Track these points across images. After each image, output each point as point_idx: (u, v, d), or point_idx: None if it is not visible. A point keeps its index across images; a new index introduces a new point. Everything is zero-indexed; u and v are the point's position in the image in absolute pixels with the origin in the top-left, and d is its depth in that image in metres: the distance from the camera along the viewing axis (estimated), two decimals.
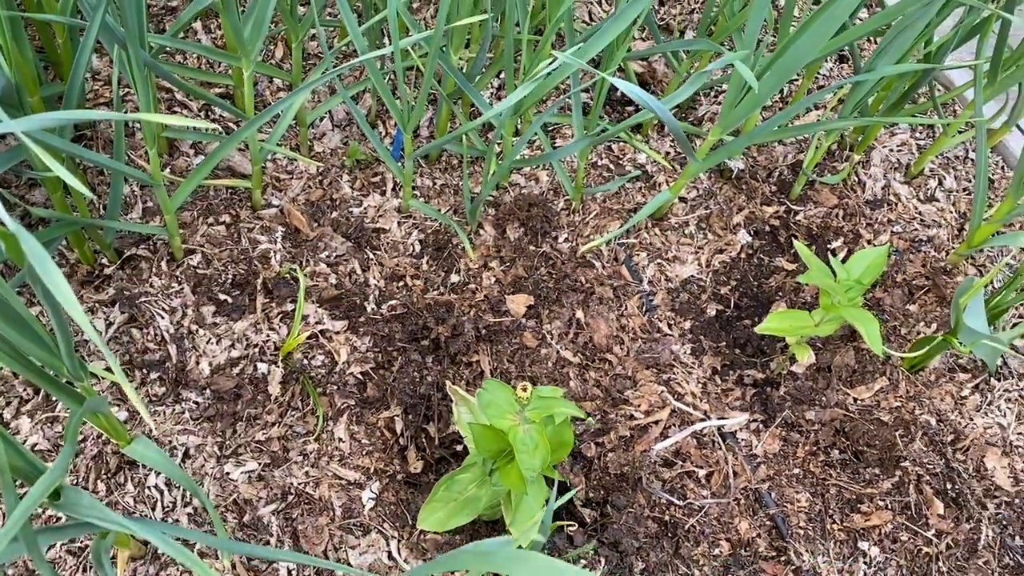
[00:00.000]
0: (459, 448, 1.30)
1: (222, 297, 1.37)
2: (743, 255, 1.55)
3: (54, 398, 1.25)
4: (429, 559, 1.20)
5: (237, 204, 1.48)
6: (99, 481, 1.21)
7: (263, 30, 1.21)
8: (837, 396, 1.40)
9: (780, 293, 1.50)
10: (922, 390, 1.42)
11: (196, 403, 1.28)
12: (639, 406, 1.36)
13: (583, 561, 1.21)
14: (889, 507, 1.31)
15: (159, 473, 1.22)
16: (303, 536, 1.20)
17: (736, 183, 1.63)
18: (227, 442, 1.26)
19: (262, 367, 1.32)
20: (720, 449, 1.34)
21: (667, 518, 1.27)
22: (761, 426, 1.37)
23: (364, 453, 1.28)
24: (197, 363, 1.31)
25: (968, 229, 1.54)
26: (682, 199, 1.61)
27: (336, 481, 1.25)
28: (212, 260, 1.40)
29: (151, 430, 1.25)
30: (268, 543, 1.19)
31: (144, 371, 1.30)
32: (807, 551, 1.27)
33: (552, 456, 1.06)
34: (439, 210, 1.52)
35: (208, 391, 1.29)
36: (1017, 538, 1.31)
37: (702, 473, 1.32)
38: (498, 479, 1.06)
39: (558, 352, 1.40)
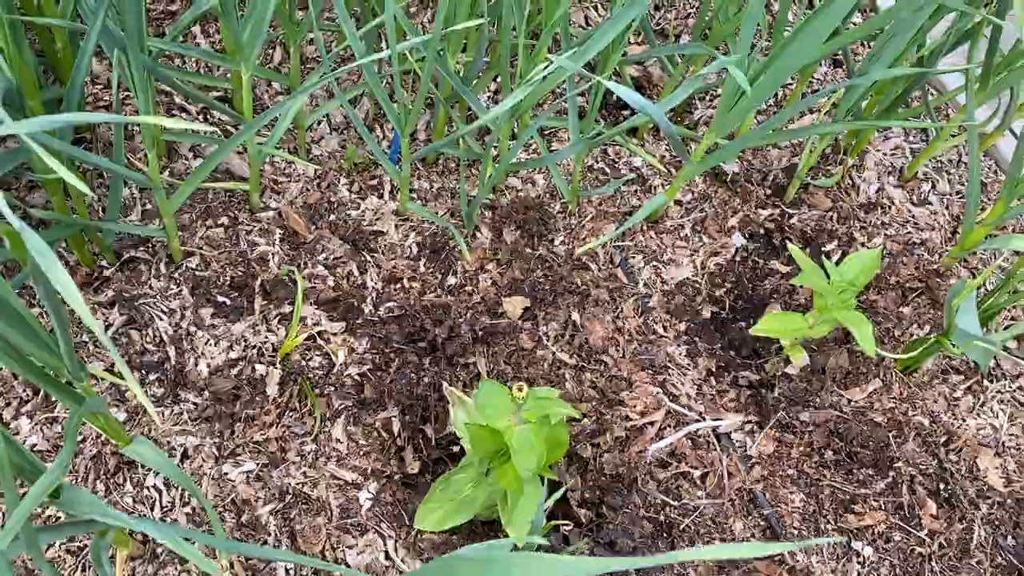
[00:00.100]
0: (456, 449, 1.30)
1: (220, 299, 1.38)
2: (738, 258, 1.56)
3: (53, 399, 1.26)
4: (426, 559, 1.21)
5: (235, 207, 1.49)
6: (98, 481, 1.22)
7: (262, 34, 1.22)
8: (831, 397, 1.41)
9: (775, 295, 1.51)
10: (915, 391, 1.44)
11: (194, 404, 1.29)
12: (634, 407, 1.37)
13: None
14: (882, 507, 1.32)
15: (158, 473, 1.23)
16: (301, 536, 1.20)
17: (731, 186, 1.64)
18: (225, 443, 1.26)
19: (260, 368, 1.33)
20: (715, 450, 1.35)
21: (662, 518, 1.28)
22: (755, 427, 1.38)
23: (361, 454, 1.29)
24: (196, 364, 1.32)
25: (961, 232, 1.55)
26: (677, 202, 1.62)
27: (334, 481, 1.26)
28: (210, 262, 1.41)
29: (152, 429, 1.26)
30: (266, 543, 1.20)
31: (143, 372, 1.30)
32: (801, 551, 1.27)
33: (548, 456, 1.07)
34: (436, 213, 1.53)
35: (206, 392, 1.30)
36: (1009, 538, 1.32)
37: (697, 474, 1.33)
38: (495, 479, 1.07)
39: (554, 354, 1.41)
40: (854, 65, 1.63)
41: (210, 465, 1.25)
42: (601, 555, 1.23)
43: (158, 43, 1.34)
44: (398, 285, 1.45)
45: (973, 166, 1.45)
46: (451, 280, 1.47)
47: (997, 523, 1.33)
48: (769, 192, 1.64)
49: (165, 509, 1.21)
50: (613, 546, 1.23)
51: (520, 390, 1.02)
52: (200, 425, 1.27)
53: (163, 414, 1.28)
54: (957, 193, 1.71)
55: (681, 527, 1.27)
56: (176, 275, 1.39)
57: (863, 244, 1.60)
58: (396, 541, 1.22)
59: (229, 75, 1.51)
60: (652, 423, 1.36)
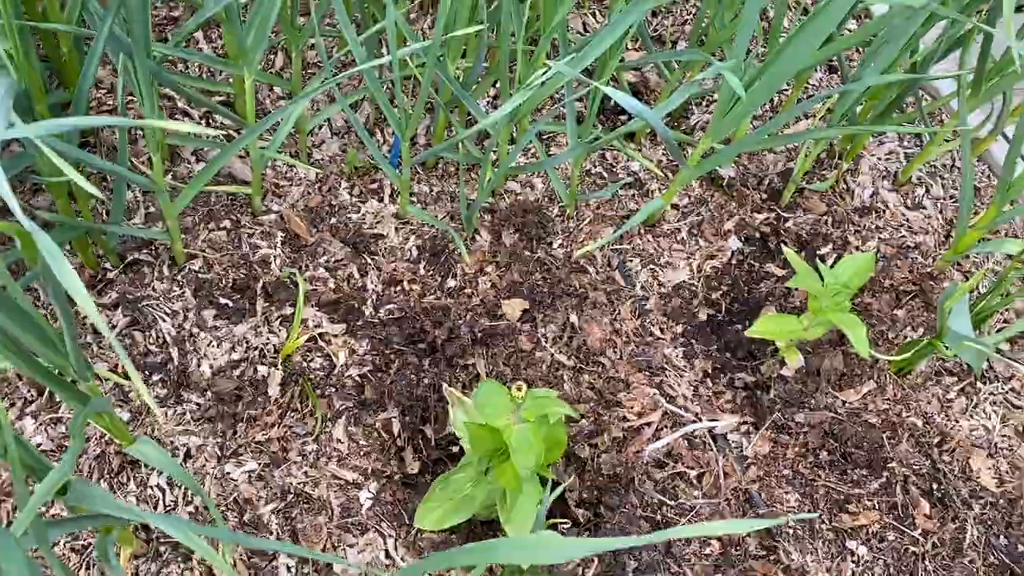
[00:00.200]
0: (455, 449, 1.32)
1: (223, 301, 1.40)
2: (734, 261, 1.58)
3: (57, 399, 1.28)
4: (425, 558, 1.23)
5: (237, 210, 1.50)
6: (102, 480, 1.23)
7: (264, 40, 1.24)
8: (826, 399, 1.43)
9: (770, 298, 1.53)
10: (909, 393, 1.45)
11: (197, 404, 1.30)
12: (632, 408, 1.39)
13: (576, 560, 1.24)
14: (877, 507, 1.34)
15: (161, 473, 1.24)
16: (302, 535, 1.22)
17: (727, 190, 1.66)
18: (227, 442, 1.28)
19: (262, 369, 1.35)
20: (711, 450, 1.37)
21: (659, 518, 1.30)
22: (751, 428, 1.40)
23: (362, 454, 1.30)
24: (198, 365, 1.34)
25: (954, 235, 1.57)
26: (674, 206, 1.64)
27: (334, 481, 1.27)
28: (213, 264, 1.43)
29: (155, 429, 1.27)
30: None
31: (146, 373, 1.32)
32: (796, 550, 1.29)
33: (546, 456, 1.08)
34: (436, 216, 1.55)
35: (209, 393, 1.31)
36: (1002, 537, 1.33)
37: (693, 474, 1.34)
38: (494, 477, 1.09)
39: (552, 355, 1.42)
40: (848, 71, 1.65)
41: (212, 465, 1.26)
42: (598, 554, 1.24)
43: (162, 48, 1.35)
44: (398, 287, 1.46)
45: (966, 171, 1.46)
46: (451, 282, 1.48)
47: (990, 523, 1.34)
48: (765, 196, 1.66)
49: (168, 508, 1.23)
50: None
51: (519, 390, 1.03)
52: (203, 425, 1.29)
53: (166, 414, 1.29)
54: (951, 197, 1.73)
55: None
56: (179, 277, 1.41)
57: (858, 247, 1.62)
58: (396, 540, 1.24)
59: (231, 80, 1.53)
60: (649, 424, 1.38)
